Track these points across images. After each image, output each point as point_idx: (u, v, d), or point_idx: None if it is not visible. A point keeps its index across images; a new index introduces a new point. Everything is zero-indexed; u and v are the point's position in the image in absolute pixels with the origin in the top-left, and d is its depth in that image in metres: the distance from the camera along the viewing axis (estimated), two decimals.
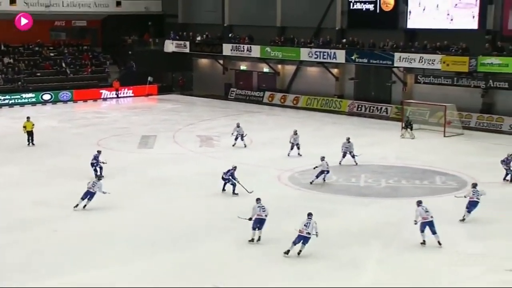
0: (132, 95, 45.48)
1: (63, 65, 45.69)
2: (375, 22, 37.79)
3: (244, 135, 28.32)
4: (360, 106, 38.45)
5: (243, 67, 45.91)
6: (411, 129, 30.72)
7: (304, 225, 16.11)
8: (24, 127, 28.98)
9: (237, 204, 20.04)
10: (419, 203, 17.12)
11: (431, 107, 33.12)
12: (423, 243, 16.74)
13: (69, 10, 45.60)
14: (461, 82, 33.74)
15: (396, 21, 37.11)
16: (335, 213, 19.33)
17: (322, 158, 22.69)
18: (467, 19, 33.77)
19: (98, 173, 22.81)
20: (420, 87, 35.89)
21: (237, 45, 42.93)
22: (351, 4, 38.89)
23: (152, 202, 20.67)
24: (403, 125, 31.07)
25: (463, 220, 18.48)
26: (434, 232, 16.70)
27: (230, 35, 44.77)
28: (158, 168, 24.97)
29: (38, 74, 44.25)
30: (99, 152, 23.72)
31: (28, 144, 28.78)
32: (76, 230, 17.97)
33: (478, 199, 18.43)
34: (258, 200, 17.37)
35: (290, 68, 43.20)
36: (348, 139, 25.54)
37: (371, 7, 38.01)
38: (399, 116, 34.35)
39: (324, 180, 22.63)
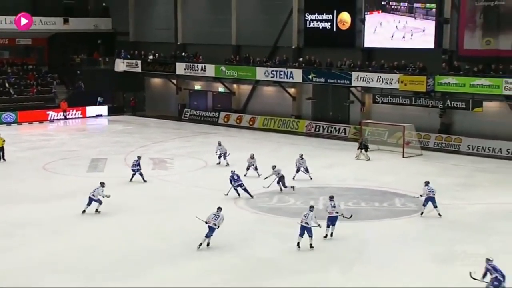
0: (81, 116, 44.93)
1: (6, 85, 44.89)
2: (332, 41, 38.32)
3: (227, 154, 29.01)
4: (318, 126, 38.80)
5: (197, 87, 45.90)
6: (366, 150, 31.08)
7: (304, 216, 18.36)
8: None
9: (190, 229, 19.89)
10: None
11: (389, 128, 33.63)
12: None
13: (12, 27, 44.72)
14: (419, 102, 34.29)
15: (353, 40, 37.68)
16: (294, 238, 19.23)
17: (274, 167, 24.28)
18: (423, 38, 34.57)
19: (141, 178, 25.81)
20: (378, 107, 36.43)
21: (191, 64, 42.95)
22: (307, 22, 39.39)
23: (101, 229, 20.34)
24: (358, 146, 31.45)
25: (421, 214, 21.41)
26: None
27: (183, 53, 44.77)
28: (109, 193, 24.47)
29: None
30: (139, 157, 26.36)
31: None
32: (23, 258, 17.51)
33: (434, 194, 21.30)
34: (218, 209, 18.80)
35: (246, 88, 43.38)
36: (301, 155, 26.63)
37: (327, 25, 38.58)
38: (357, 136, 34.72)
39: (284, 187, 24.11)
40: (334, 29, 38.26)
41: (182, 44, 46.34)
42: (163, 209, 22.46)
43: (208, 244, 18.28)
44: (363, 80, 35.50)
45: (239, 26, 43.13)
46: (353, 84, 36.30)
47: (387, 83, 34.49)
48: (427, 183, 21.65)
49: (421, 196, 21.62)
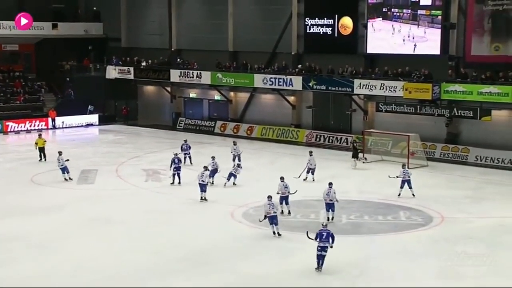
0: (71, 125, 44.94)
1: None
2: (333, 47, 38.46)
3: (240, 152, 31.13)
4: (318, 136, 38.83)
5: (192, 95, 45.95)
6: (357, 157, 31.70)
7: (326, 194, 22.20)
8: (36, 143, 33.13)
9: (185, 243, 19.90)
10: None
11: (393, 137, 33.69)
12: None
13: None
14: (425, 110, 34.29)
15: (355, 46, 37.81)
16: (294, 252, 19.33)
17: (213, 158, 27.22)
18: (428, 44, 34.67)
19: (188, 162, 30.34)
20: (382, 116, 36.46)
21: (186, 71, 43.03)
22: (308, 27, 39.54)
23: (91, 243, 20.30)
24: (352, 155, 32.19)
25: (399, 195, 25.18)
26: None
27: (178, 60, 44.85)
28: (99, 206, 24.62)
29: None
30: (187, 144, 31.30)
31: (40, 160, 32.91)
32: (9, 274, 17.47)
33: (409, 177, 25.48)
34: (269, 197, 20.90)
35: (244, 96, 43.45)
36: (310, 152, 29.16)
37: (328, 30, 38.72)
38: (360, 147, 34.75)
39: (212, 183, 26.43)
40: (336, 35, 38.39)
41: (176, 50, 46.44)
42: (156, 223, 22.42)
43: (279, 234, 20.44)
44: (365, 88, 35.57)
45: (236, 31, 43.26)
46: (355, 92, 36.37)
47: (391, 90, 34.54)
48: (403, 165, 26.44)
49: (397, 177, 25.72)
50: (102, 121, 46.52)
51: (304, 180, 27.98)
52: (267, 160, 33.94)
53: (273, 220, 20.55)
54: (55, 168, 31.28)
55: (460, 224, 22.30)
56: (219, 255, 18.90)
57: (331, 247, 17.61)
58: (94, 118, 46.40)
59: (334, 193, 22.37)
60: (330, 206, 22.32)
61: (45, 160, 32.75)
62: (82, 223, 22.32)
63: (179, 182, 27.63)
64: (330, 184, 22.48)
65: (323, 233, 17.64)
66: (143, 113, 48.51)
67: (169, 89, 46.39)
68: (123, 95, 48.01)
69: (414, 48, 35.19)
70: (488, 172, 31.02)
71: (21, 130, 42.84)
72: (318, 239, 17.61)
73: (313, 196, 25.55)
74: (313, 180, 28.04)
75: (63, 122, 44.73)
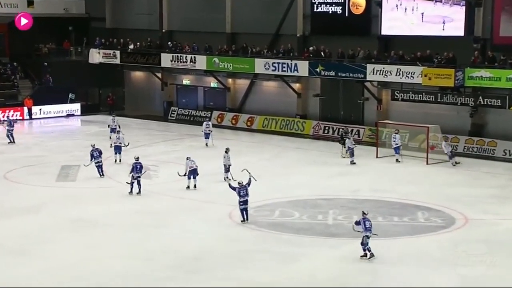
0: (49, 115, 44.98)
1: None
2: (343, 28, 38.37)
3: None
4: (327, 128, 38.85)
5: (186, 82, 45.97)
6: (344, 144, 32.40)
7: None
8: None
9: (176, 248, 19.99)
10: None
11: (411, 129, 33.69)
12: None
13: None
14: (446, 99, 34.32)
15: (368, 27, 37.78)
16: (299, 257, 19.38)
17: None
18: (451, 24, 34.58)
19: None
20: (398, 105, 36.50)
21: (179, 55, 43.06)
22: (315, 6, 39.52)
23: (73, 248, 20.34)
24: (340, 142, 33.17)
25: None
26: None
27: (169, 43, 44.90)
28: (81, 206, 24.67)
29: None
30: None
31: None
32: None
33: (397, 144, 31.31)
34: (188, 158, 26.41)
35: (243, 83, 43.47)
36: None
37: (338, 9, 38.70)
38: (373, 139, 34.80)
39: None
40: (346, 14, 38.35)
41: (168, 32, 46.43)
42: (145, 225, 22.44)
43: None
44: (380, 74, 35.57)
45: (235, 11, 43.26)
46: (368, 78, 36.38)
47: (408, 77, 34.54)
48: (396, 132, 31.77)
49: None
50: (85, 111, 46.58)
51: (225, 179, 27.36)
52: (269, 154, 33.97)
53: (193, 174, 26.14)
54: (31, 164, 31.39)
55: (486, 227, 22.35)
56: (215, 261, 18.95)
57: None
58: (75, 107, 46.44)
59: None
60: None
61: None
62: (62, 226, 22.34)
63: (139, 192, 26.19)
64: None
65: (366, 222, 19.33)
66: (130, 102, 48.59)
67: (159, 75, 46.42)
68: (108, 82, 48.12)
69: (435, 28, 35.13)
70: None
71: None
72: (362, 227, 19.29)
73: (320, 195, 25.64)
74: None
75: (40, 111, 44.76)
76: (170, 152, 34.44)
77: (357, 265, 18.87)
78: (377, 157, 32.44)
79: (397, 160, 31.74)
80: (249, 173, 22.92)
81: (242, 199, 22.39)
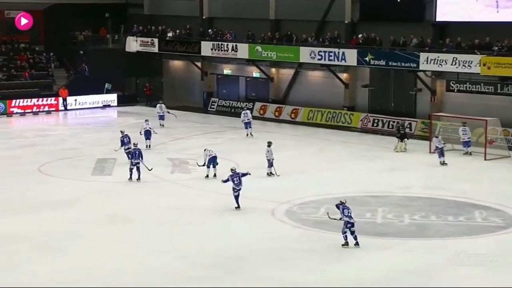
0: (84, 106, 45.37)
1: None
2: (395, 14, 38.11)
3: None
4: (376, 120, 38.68)
5: (227, 71, 46.00)
6: (402, 139, 32.38)
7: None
8: None
9: (212, 246, 19.94)
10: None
11: (467, 122, 33.20)
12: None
13: None
14: (507, 90, 33.97)
15: (422, 12, 37.51)
16: (345, 258, 19.26)
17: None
18: None
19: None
20: (453, 97, 36.16)
21: (220, 43, 43.07)
22: None
23: (108, 244, 20.46)
24: (397, 135, 32.95)
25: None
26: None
27: (210, 30, 44.94)
28: (117, 201, 24.83)
29: None
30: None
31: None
32: (8, 280, 17.70)
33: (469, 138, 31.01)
34: (205, 149, 27.49)
35: (287, 73, 43.40)
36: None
37: None
38: (426, 133, 34.43)
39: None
40: None
41: (208, 18, 46.51)
42: (182, 222, 22.48)
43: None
44: (434, 63, 35.22)
45: None
46: (421, 68, 36.06)
47: (465, 66, 34.16)
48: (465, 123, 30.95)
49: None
50: (121, 101, 46.96)
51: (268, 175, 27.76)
52: (314, 148, 33.82)
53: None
54: (66, 157, 31.73)
55: None
56: (256, 261, 18.85)
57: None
58: (112, 97, 46.87)
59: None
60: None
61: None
62: (96, 221, 22.47)
63: (138, 178, 27.30)
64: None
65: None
66: (169, 92, 48.78)
67: (199, 64, 46.55)
68: (145, 72, 48.43)
69: (495, 14, 34.60)
70: None
71: (27, 112, 43.38)
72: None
73: (368, 192, 25.39)
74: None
75: (75, 101, 45.20)
76: (209, 146, 34.30)
77: (407, 266, 18.63)
78: (430, 152, 32.02)
79: (468, 153, 31.71)
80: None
81: (236, 187, 23.34)
